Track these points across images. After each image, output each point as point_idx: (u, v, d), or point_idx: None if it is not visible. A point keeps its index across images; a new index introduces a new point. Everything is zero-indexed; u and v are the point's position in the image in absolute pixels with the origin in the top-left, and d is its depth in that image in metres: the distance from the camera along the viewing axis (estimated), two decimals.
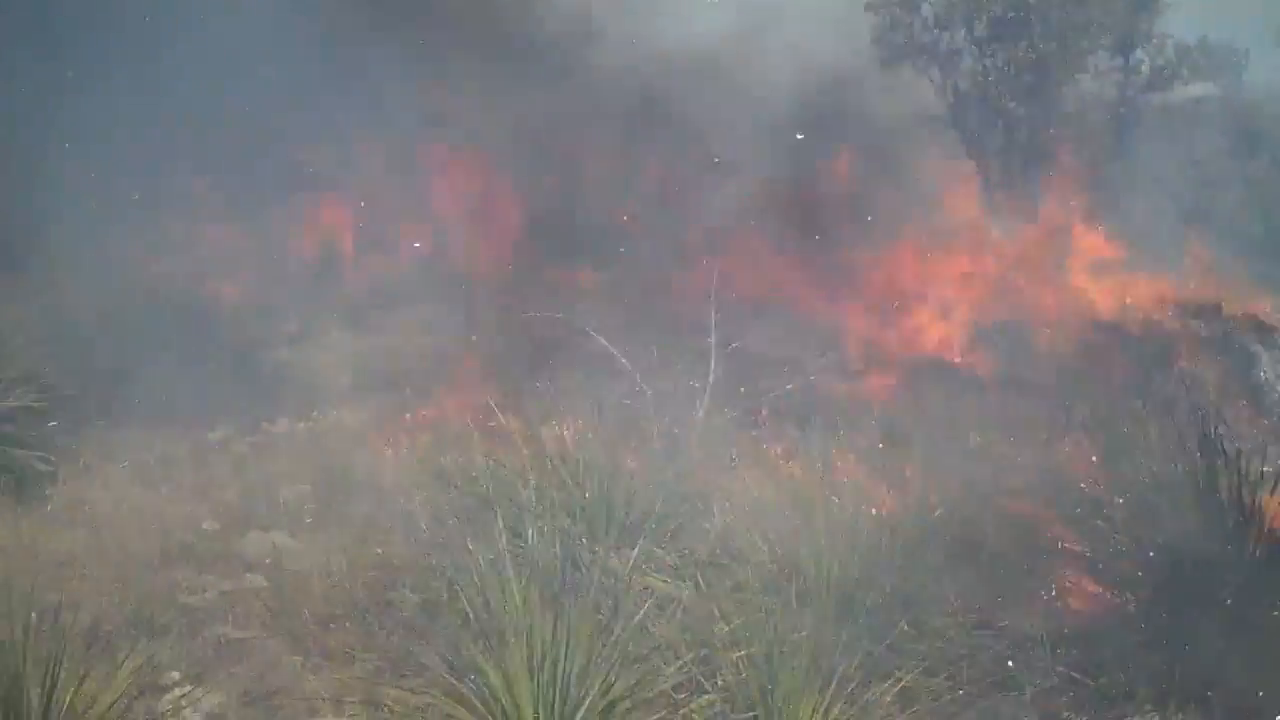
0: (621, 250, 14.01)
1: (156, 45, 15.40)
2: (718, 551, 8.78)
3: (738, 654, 7.65)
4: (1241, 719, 7.66)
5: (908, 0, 17.66)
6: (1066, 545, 8.75)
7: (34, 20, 16.32)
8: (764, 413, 11.57)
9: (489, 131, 15.33)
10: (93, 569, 9.25)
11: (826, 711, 7.29)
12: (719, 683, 7.65)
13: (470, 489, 9.60)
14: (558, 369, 12.11)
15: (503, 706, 7.36)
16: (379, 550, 9.45)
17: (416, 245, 15.30)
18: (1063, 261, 12.73)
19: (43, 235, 13.87)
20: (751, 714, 7.45)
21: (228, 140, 15.35)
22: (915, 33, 17.79)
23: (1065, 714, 7.89)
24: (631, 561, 8.66)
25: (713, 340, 11.41)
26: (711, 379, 11.09)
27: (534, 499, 9.11)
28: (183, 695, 8.03)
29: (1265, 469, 8.56)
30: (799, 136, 14.93)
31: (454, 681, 7.59)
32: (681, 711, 7.50)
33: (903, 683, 7.61)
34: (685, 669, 7.70)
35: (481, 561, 8.16)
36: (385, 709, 7.80)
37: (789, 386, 11.83)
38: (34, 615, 7.41)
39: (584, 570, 8.49)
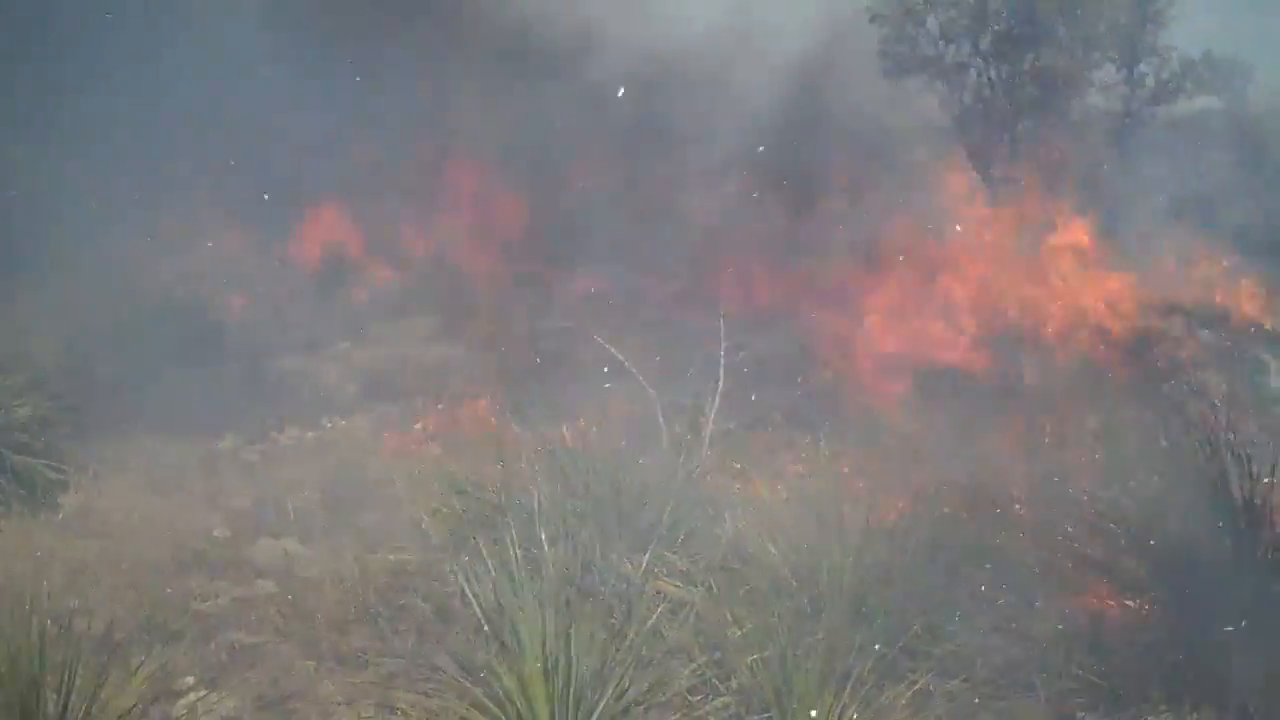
0: (628, 258, 14.02)
1: (166, 55, 15.44)
2: (729, 556, 8.76)
3: (751, 657, 7.65)
4: (1255, 717, 7.66)
5: (913, 13, 17.67)
6: (1079, 548, 8.74)
7: (43, 28, 16.37)
8: (774, 419, 11.59)
9: (493, 137, 15.36)
10: (105, 576, 9.27)
11: (841, 713, 7.29)
12: (733, 685, 7.65)
13: (481, 495, 9.59)
14: (567, 377, 12.11)
15: (518, 710, 7.36)
16: (391, 556, 9.45)
17: (422, 254, 15.32)
18: (1070, 271, 12.73)
19: (53, 245, 13.88)
20: (766, 716, 7.45)
21: (234, 150, 15.38)
22: (921, 46, 17.81)
23: (1080, 714, 7.89)
24: (644, 566, 8.67)
25: (722, 347, 11.41)
26: (720, 385, 11.08)
27: (545, 505, 9.11)
28: (198, 700, 8.05)
29: (1276, 473, 8.56)
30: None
31: (468, 685, 7.60)
32: (696, 714, 7.50)
33: (917, 685, 7.62)
34: (699, 672, 7.71)
35: (494, 567, 8.16)
36: (400, 713, 7.80)
37: (798, 393, 11.85)
38: (49, 622, 7.41)
39: (597, 575, 8.50)
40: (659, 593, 8.39)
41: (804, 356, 12.48)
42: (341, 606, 9.05)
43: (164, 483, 11.28)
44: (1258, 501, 8.41)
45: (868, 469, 9.70)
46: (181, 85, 15.41)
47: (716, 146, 15.32)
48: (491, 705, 7.43)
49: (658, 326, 13.18)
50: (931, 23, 17.76)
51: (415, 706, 7.80)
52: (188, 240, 15.40)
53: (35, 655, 7.22)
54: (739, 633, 7.90)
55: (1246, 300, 12.84)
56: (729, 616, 8.05)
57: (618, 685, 7.40)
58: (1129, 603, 8.52)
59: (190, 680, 8.28)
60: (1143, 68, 18.64)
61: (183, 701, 8.08)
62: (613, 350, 11.43)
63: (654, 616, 7.88)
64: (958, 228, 13.69)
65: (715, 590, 8.39)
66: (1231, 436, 8.99)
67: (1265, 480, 8.43)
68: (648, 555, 8.75)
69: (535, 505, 9.07)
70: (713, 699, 7.62)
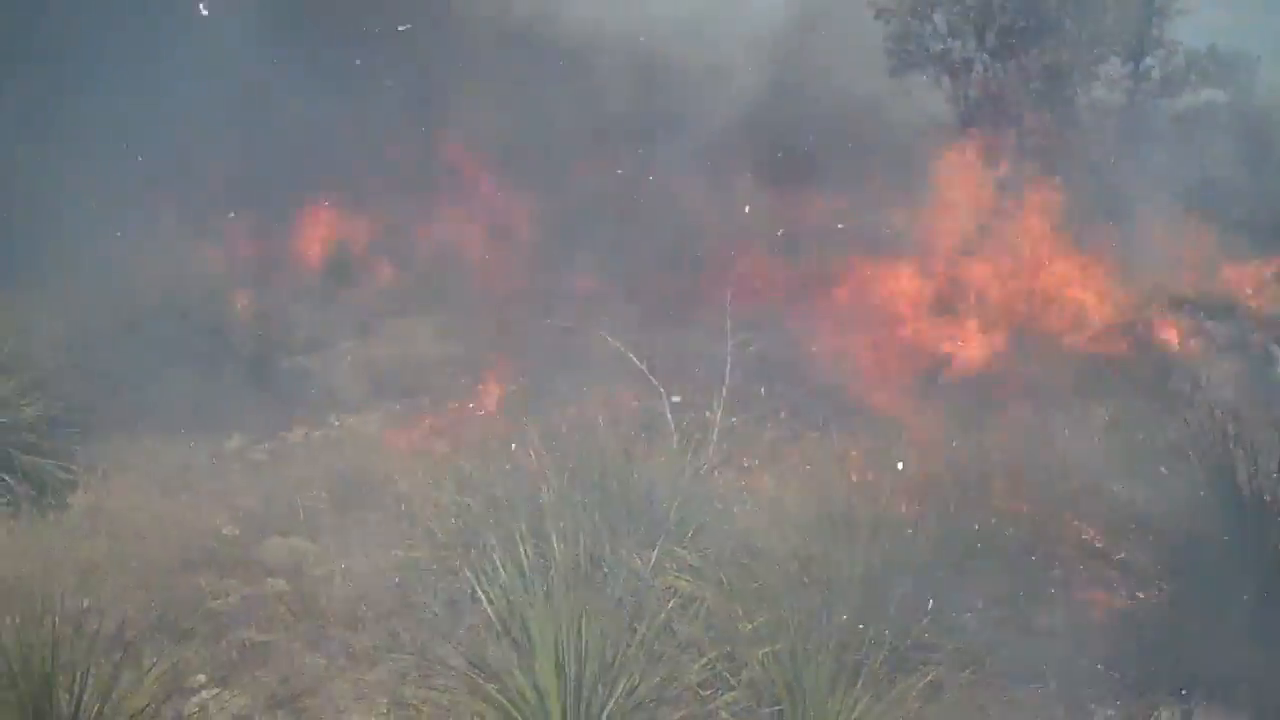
0: (635, 254, 14.00)
1: (167, 52, 15.46)
2: (739, 551, 8.76)
3: (762, 651, 7.66)
4: (1266, 710, 7.66)
5: (919, 9, 17.66)
6: (1088, 541, 8.76)
7: (42, 27, 16.40)
8: (781, 413, 11.59)
9: (488, 129, 15.37)
10: (115, 575, 9.26)
11: (853, 706, 7.30)
12: (744, 679, 7.66)
13: (490, 492, 9.59)
14: (574, 373, 12.11)
15: (530, 705, 7.38)
16: (400, 553, 9.44)
17: (426, 250, 15.33)
18: (1075, 262, 12.73)
19: (57, 245, 13.89)
20: (777, 709, 7.46)
21: (238, 148, 15.39)
22: (927, 42, 17.81)
23: (1091, 706, 7.91)
24: (653, 561, 8.67)
25: (729, 343, 11.41)
26: (727, 381, 11.08)
27: (554, 500, 9.11)
28: (210, 698, 8.07)
29: None
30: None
31: (480, 681, 7.62)
32: (708, 708, 7.51)
33: (929, 677, 7.63)
34: (710, 666, 7.72)
35: (503, 563, 8.17)
36: (411, 709, 7.82)
37: (804, 388, 11.86)
38: (60, 621, 7.43)
39: (606, 570, 8.50)
40: (669, 588, 8.39)
41: (810, 351, 12.46)
42: (352, 604, 9.06)
43: (172, 482, 11.27)
44: (1266, 496, 8.43)
45: (876, 463, 9.68)
46: (184, 82, 15.43)
47: (720, 138, 15.31)
48: (504, 701, 7.45)
49: (663, 322, 13.17)
50: (938, 18, 17.75)
51: (427, 703, 7.83)
52: (192, 239, 15.40)
53: (48, 654, 7.26)
54: (749, 627, 7.90)
55: (1254, 292, 12.83)
56: (739, 611, 8.04)
57: (629, 681, 7.41)
58: (1139, 595, 8.54)
59: (202, 678, 8.32)
60: (1148, 61, 18.63)
61: (195, 699, 8.10)
62: (619, 346, 11.43)
63: (664, 611, 7.89)
64: (964, 221, 13.67)
65: (725, 585, 8.39)
66: (1239, 429, 9.01)
67: (1274, 475, 8.45)
68: (657, 550, 8.76)
69: (544, 501, 9.07)
70: (723, 693, 7.63)
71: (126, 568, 9.42)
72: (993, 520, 8.99)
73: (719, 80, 16.10)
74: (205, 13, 16.28)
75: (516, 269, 14.73)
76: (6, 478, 10.86)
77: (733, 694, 7.62)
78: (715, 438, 10.50)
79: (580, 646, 7.40)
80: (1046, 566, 8.69)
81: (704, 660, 7.73)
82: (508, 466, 9.99)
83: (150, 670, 7.78)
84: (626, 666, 7.45)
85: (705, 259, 14.08)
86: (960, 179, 14.38)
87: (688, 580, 8.52)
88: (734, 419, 11.24)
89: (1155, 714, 7.85)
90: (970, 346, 12.01)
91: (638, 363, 11.25)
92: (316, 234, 15.57)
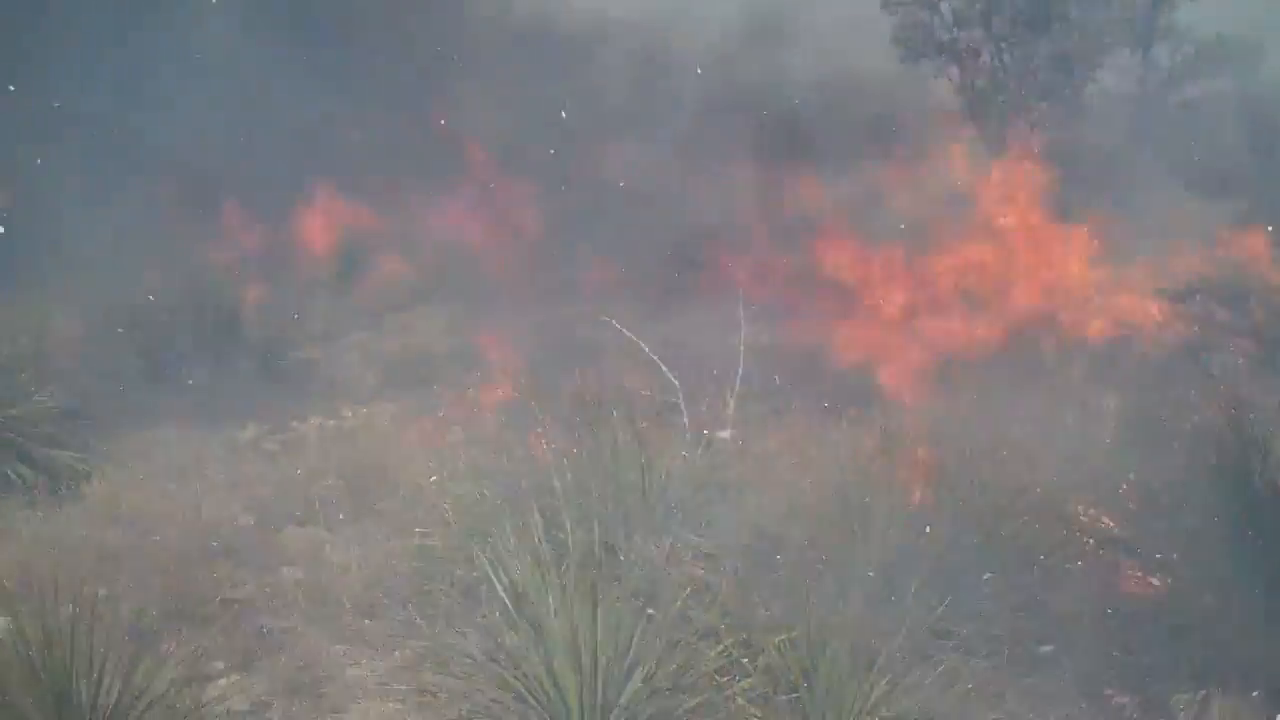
0: (646, 243, 14.04)
1: (178, 46, 15.51)
2: (754, 539, 8.79)
3: (779, 638, 7.68)
4: None
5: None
6: (1104, 529, 8.78)
7: (48, 25, 16.45)
8: (795, 402, 11.60)
9: (502, 123, 15.40)
10: (133, 564, 9.29)
11: (869, 693, 7.32)
12: (760, 665, 7.68)
13: (505, 480, 9.62)
14: (586, 362, 12.13)
15: (546, 693, 7.41)
16: (416, 542, 9.47)
17: (438, 242, 15.37)
18: (1089, 253, 12.73)
19: (73, 238, 13.95)
20: (794, 696, 7.48)
21: (248, 141, 15.44)
22: (934, 31, 17.84)
23: (1107, 692, 7.93)
24: (668, 550, 8.70)
25: (742, 333, 11.43)
26: (740, 370, 11.10)
27: (569, 489, 9.13)
28: (229, 685, 8.11)
29: None
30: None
31: (497, 668, 7.65)
32: (725, 694, 7.53)
33: (945, 664, 7.65)
34: (726, 653, 7.74)
35: (519, 551, 8.19)
36: (428, 695, 7.86)
37: (818, 377, 11.87)
38: (79, 610, 7.46)
39: (621, 558, 8.53)
40: (685, 575, 8.41)
41: (823, 340, 12.46)
42: (368, 591, 9.10)
43: (187, 472, 11.31)
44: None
45: (890, 449, 9.70)
46: (192, 77, 15.49)
47: (728, 129, 15.34)
48: (520, 688, 7.49)
49: (675, 312, 13.21)
50: (945, 8, 17.79)
51: (444, 689, 7.87)
52: (203, 233, 15.45)
53: (67, 642, 7.28)
54: (766, 614, 7.93)
55: (1267, 278, 12.84)
56: (755, 598, 8.07)
57: (645, 668, 7.44)
58: (1154, 581, 8.56)
59: (220, 665, 8.35)
60: (1156, 50, 18.66)
61: (213, 686, 8.14)
62: (631, 336, 11.45)
63: (680, 599, 7.91)
64: (973, 210, 13.69)
65: (741, 572, 8.41)
66: (1254, 416, 9.03)
67: None
68: (672, 539, 8.79)
69: (559, 490, 9.09)
70: (740, 680, 7.65)
71: (143, 557, 9.44)
72: (1008, 507, 8.99)
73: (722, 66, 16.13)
74: (214, 0, 16.31)
75: (526, 259, 14.77)
76: (24, 469, 10.92)
77: (749, 680, 7.64)
78: (729, 425, 10.53)
79: (596, 634, 7.42)
80: (1061, 552, 8.68)
81: (720, 647, 7.74)
82: (520, 455, 10.02)
83: (169, 657, 7.81)
84: (643, 654, 7.47)
85: (711, 246, 14.10)
86: (966, 166, 14.42)
87: (703, 568, 8.55)
88: (748, 406, 11.26)
89: (1171, 700, 7.87)
90: (979, 334, 12.01)
91: (649, 352, 11.27)
92: (326, 226, 15.61)
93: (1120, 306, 12.41)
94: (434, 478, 10.23)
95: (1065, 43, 17.46)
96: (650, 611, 7.76)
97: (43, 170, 15.02)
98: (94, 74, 15.84)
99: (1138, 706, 7.83)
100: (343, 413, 12.72)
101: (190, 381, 12.95)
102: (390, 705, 7.98)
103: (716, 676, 7.65)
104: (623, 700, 7.38)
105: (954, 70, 18.10)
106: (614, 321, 11.74)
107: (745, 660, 7.72)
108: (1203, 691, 7.76)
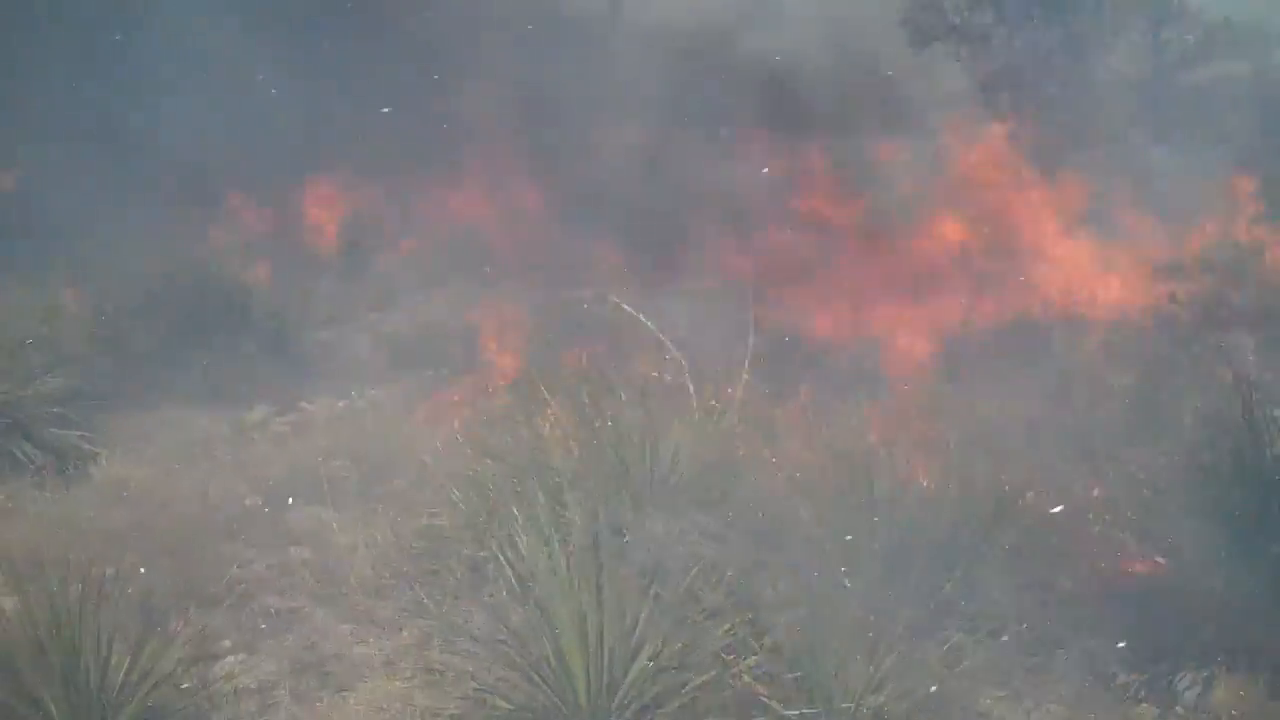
0: (653, 223, 14.00)
1: (184, 28, 15.50)
2: (761, 518, 8.78)
3: (785, 616, 7.69)
4: None
5: None
6: (1110, 507, 8.77)
7: (54, 8, 16.47)
8: (804, 383, 11.58)
9: (507, 103, 15.37)
10: (141, 545, 9.31)
11: (876, 670, 7.33)
12: (766, 644, 7.69)
13: (512, 460, 9.62)
14: (594, 342, 12.12)
15: (553, 671, 7.43)
16: (423, 521, 9.49)
17: (444, 223, 15.34)
18: (1099, 231, 12.69)
19: (81, 219, 13.95)
20: (799, 674, 7.49)
21: (253, 122, 15.42)
22: (945, 13, 17.76)
23: (1113, 671, 7.93)
24: (676, 529, 8.69)
25: (750, 313, 11.43)
26: (750, 351, 11.10)
27: (577, 469, 9.13)
28: (237, 663, 8.14)
29: None
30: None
31: (504, 647, 7.67)
32: (731, 671, 7.54)
33: (950, 642, 7.65)
34: (733, 631, 7.74)
35: (526, 531, 8.20)
36: (435, 674, 7.88)
37: (825, 357, 11.86)
38: (87, 589, 7.49)
39: (628, 537, 8.52)
40: (691, 554, 8.40)
41: (826, 318, 12.45)
42: (376, 571, 9.12)
43: (195, 453, 11.34)
44: None
45: (897, 431, 9.68)
46: (199, 57, 15.48)
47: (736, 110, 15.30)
48: (527, 667, 7.51)
49: (683, 292, 13.19)
50: None
51: (451, 669, 7.88)
52: (213, 214, 15.46)
53: (75, 622, 7.32)
54: (772, 593, 7.94)
55: (1275, 257, 12.79)
56: (762, 576, 8.08)
57: (653, 645, 7.45)
58: (1160, 561, 8.54)
59: (228, 644, 8.39)
60: (1168, 32, 18.56)
61: (221, 665, 8.17)
62: (640, 316, 11.45)
63: (687, 578, 7.91)
64: (981, 191, 13.65)
65: (748, 551, 8.41)
66: (1262, 397, 9.00)
67: None
68: (679, 517, 8.78)
69: (566, 470, 9.10)
70: (746, 658, 7.66)
71: (151, 537, 9.46)
72: (1014, 486, 8.97)
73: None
74: None
75: (534, 239, 14.75)
76: (33, 449, 10.95)
77: (755, 659, 7.65)
78: (737, 405, 10.52)
79: (602, 613, 7.44)
80: (1067, 532, 8.67)
81: (727, 626, 7.75)
82: (527, 435, 10.02)
83: (176, 637, 7.84)
84: (649, 632, 7.48)
85: (720, 227, 14.07)
86: (976, 148, 14.37)
87: (710, 547, 8.54)
88: (756, 386, 11.25)
89: (1176, 679, 7.87)
90: (990, 313, 12.00)
91: (658, 333, 11.27)
92: (335, 208, 15.60)
93: (1127, 285, 12.38)
94: (441, 458, 10.23)
95: (1076, 25, 17.40)
96: (657, 590, 7.76)
97: (49, 154, 15.03)
98: (97, 58, 15.84)
99: (1143, 686, 7.83)
100: (351, 394, 12.72)
101: (199, 363, 12.94)
102: (397, 684, 8.00)
103: (723, 655, 7.66)
104: (629, 678, 7.40)
105: (965, 53, 18.02)
106: (624, 305, 11.75)
107: (751, 639, 7.72)
108: (1207, 671, 7.76)
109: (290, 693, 8.00)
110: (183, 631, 7.97)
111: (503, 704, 7.49)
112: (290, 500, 10.33)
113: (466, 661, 7.83)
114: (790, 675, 7.51)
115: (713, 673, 7.51)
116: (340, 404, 12.53)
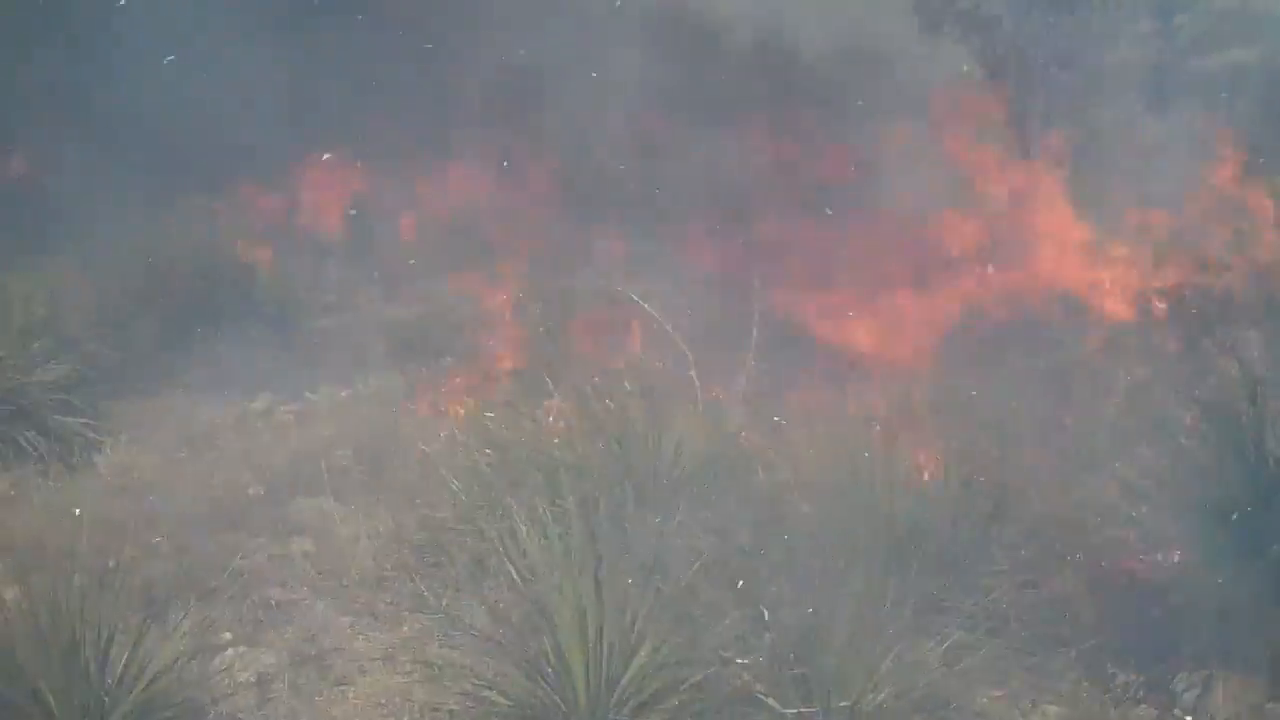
0: (658, 214, 13.98)
1: (181, 12, 15.46)
2: (763, 513, 8.78)
3: (785, 612, 7.69)
4: None
5: None
6: (1112, 506, 8.76)
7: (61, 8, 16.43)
8: (806, 378, 11.56)
9: (513, 89, 15.33)
10: (143, 534, 9.34)
11: (875, 668, 7.33)
12: (766, 640, 7.68)
13: (515, 452, 9.62)
14: (597, 333, 12.12)
15: (552, 666, 7.44)
16: (425, 513, 9.50)
17: (447, 211, 15.31)
18: (1104, 224, 12.65)
19: (83, 206, 13.96)
20: (800, 671, 7.49)
21: (256, 105, 15.39)
22: None
23: (1112, 670, 7.92)
24: (677, 523, 8.69)
25: (756, 305, 11.41)
26: (755, 344, 11.09)
27: (579, 462, 9.13)
28: (237, 655, 8.16)
29: None
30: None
31: (503, 642, 7.67)
32: (730, 668, 7.54)
33: (949, 641, 7.65)
34: (733, 627, 7.74)
35: (527, 524, 8.20)
36: (435, 668, 7.88)
37: (828, 353, 11.83)
38: (88, 579, 7.51)
39: (629, 532, 8.52)
40: (692, 549, 8.40)
41: (827, 310, 12.42)
42: (377, 563, 9.14)
43: (198, 442, 11.36)
44: None
45: (898, 426, 9.66)
46: (198, 40, 15.44)
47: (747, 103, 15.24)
48: (526, 662, 7.51)
49: (689, 284, 13.16)
50: None
51: (450, 663, 7.89)
52: (216, 200, 15.45)
53: (76, 612, 7.33)
54: (773, 588, 7.93)
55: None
56: (763, 572, 8.07)
57: (652, 640, 7.45)
58: (1159, 559, 8.53)
59: (228, 636, 8.41)
60: (1178, 20, 18.47)
61: (221, 657, 8.19)
62: (646, 307, 11.43)
63: (689, 573, 7.91)
64: (986, 184, 13.60)
65: (749, 546, 8.41)
66: (1267, 393, 8.97)
67: None
68: (681, 511, 8.78)
69: (569, 462, 9.10)
70: (746, 654, 7.66)
71: (153, 527, 9.50)
72: (1013, 482, 8.96)
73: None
74: None
75: (542, 227, 14.72)
76: (37, 437, 10.97)
77: (755, 655, 7.64)
78: (741, 398, 10.52)
79: (603, 608, 7.44)
80: (1067, 529, 8.66)
81: (727, 621, 7.75)
82: (530, 426, 10.02)
83: (177, 628, 7.86)
84: (650, 628, 7.48)
85: (724, 218, 14.04)
86: (982, 137, 14.31)
87: (711, 541, 8.54)
88: (760, 380, 11.25)
89: (1175, 680, 7.87)
90: (994, 308, 11.97)
91: (666, 325, 11.25)
92: (338, 195, 15.58)
93: (1132, 275, 12.34)
94: (443, 449, 10.22)
95: (1086, 11, 17.32)
96: (658, 585, 7.76)
97: (49, 136, 15.03)
98: (98, 42, 15.81)
99: (1142, 686, 7.83)
100: (355, 383, 12.73)
101: (203, 351, 12.95)
102: (396, 679, 8.02)
103: (723, 651, 7.66)
104: (629, 674, 7.40)
105: (974, 39, 17.94)
106: (633, 295, 11.74)
107: (751, 636, 7.72)
108: (1207, 672, 7.76)
109: (290, 686, 8.02)
110: (184, 624, 7.98)
111: (501, 700, 7.50)
112: (292, 491, 10.33)
113: (466, 656, 7.84)
114: (790, 673, 7.50)
115: (712, 669, 7.51)
116: (344, 392, 12.53)
